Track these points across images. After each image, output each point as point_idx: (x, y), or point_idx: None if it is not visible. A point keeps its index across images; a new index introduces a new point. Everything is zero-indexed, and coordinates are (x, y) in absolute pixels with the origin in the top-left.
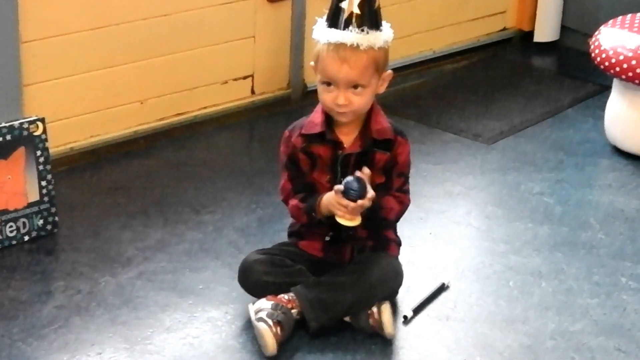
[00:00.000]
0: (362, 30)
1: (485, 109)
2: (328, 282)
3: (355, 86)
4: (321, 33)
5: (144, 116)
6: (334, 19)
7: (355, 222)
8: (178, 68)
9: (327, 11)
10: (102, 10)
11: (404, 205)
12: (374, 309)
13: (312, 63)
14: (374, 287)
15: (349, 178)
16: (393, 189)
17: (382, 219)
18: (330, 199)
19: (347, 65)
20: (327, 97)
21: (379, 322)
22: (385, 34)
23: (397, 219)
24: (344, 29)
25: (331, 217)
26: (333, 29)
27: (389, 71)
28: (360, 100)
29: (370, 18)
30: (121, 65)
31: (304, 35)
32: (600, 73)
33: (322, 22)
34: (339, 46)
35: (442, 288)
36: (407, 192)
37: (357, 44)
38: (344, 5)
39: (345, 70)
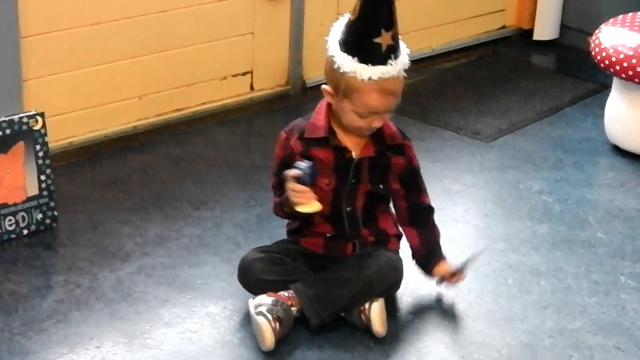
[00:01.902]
0: (397, 58)
1: (484, 107)
2: (327, 278)
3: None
4: (358, 69)
5: (142, 111)
6: (369, 55)
7: (313, 207)
8: (177, 64)
9: (343, 35)
10: (102, 5)
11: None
12: (366, 305)
13: (326, 87)
14: (373, 281)
15: (300, 164)
16: (424, 190)
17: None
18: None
19: (392, 97)
20: (361, 122)
21: (368, 320)
22: (404, 46)
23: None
24: (385, 64)
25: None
26: (370, 66)
27: None
28: (388, 116)
29: (399, 43)
30: (120, 61)
31: (303, 32)
32: (600, 72)
33: (337, 46)
34: (385, 81)
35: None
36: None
37: (398, 73)
38: (379, 40)
39: (390, 101)
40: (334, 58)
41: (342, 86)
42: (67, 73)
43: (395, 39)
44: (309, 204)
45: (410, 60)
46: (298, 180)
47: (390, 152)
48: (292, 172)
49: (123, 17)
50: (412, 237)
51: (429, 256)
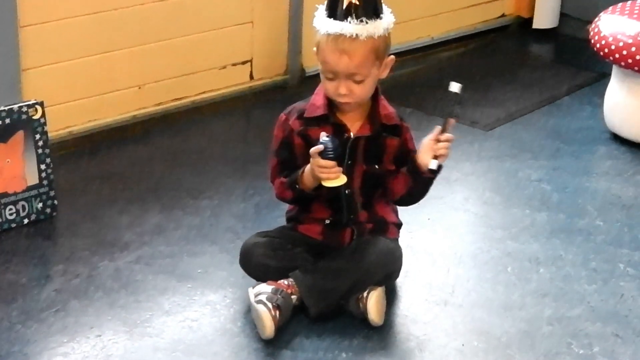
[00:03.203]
0: (362, 21)
1: (482, 96)
2: (326, 267)
3: (355, 79)
4: (320, 23)
5: (141, 101)
6: (332, 9)
7: (341, 180)
8: (176, 53)
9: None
10: None
11: None
12: (364, 294)
13: (314, 49)
14: (371, 270)
15: (324, 138)
16: None
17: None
18: (311, 165)
19: (346, 57)
20: (329, 86)
21: (365, 308)
22: (385, 22)
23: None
24: (342, 20)
25: (317, 189)
26: (332, 20)
27: (391, 56)
28: (362, 90)
29: (369, 8)
30: (119, 50)
31: (302, 21)
32: (599, 60)
33: (322, 9)
34: (338, 37)
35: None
36: None
37: (357, 35)
38: None
39: (344, 62)
40: (315, 13)
41: (316, 45)
42: (66, 62)
43: (363, 0)
44: (336, 178)
45: (408, 49)
46: (322, 155)
47: (386, 133)
48: (316, 149)
49: (122, 6)
50: (399, 183)
51: (411, 170)
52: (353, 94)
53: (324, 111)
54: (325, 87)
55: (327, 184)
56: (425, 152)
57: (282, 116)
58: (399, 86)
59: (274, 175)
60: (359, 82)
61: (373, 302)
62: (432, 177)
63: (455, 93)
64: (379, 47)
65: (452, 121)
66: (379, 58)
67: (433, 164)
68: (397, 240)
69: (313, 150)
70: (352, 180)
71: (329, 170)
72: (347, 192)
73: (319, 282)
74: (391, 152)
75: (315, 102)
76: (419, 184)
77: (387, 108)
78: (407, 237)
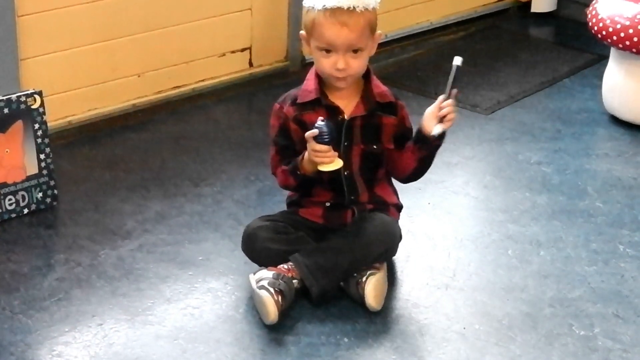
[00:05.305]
0: None
1: (482, 80)
2: (325, 246)
3: (354, 50)
4: (317, 0)
5: (142, 89)
6: None
7: (337, 165)
8: (176, 41)
9: None
10: None
11: None
12: (363, 279)
13: (302, 32)
14: (369, 245)
15: (319, 122)
16: None
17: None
18: (307, 150)
19: (346, 29)
20: (326, 63)
21: (364, 292)
22: None
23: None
24: None
25: (318, 173)
26: None
27: (379, 32)
28: (359, 64)
29: None
30: (119, 38)
31: (301, 7)
32: (598, 42)
33: None
34: (336, 10)
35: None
36: None
37: (354, 7)
38: None
39: (345, 34)
40: None
41: (309, 24)
42: (65, 51)
43: None
44: (332, 162)
45: (408, 34)
46: (317, 139)
47: (381, 112)
48: (311, 133)
49: None
50: (408, 158)
51: (417, 140)
52: (350, 68)
53: (316, 95)
54: (321, 65)
55: (323, 168)
56: (430, 120)
57: (276, 105)
58: (400, 71)
59: (275, 164)
60: (356, 55)
61: (371, 287)
62: (438, 143)
63: (458, 66)
64: (372, 20)
65: (454, 91)
66: (372, 31)
67: (437, 129)
68: (397, 221)
69: (308, 134)
70: (350, 161)
71: (324, 154)
72: (346, 173)
73: (319, 261)
74: (389, 131)
75: (307, 87)
76: (426, 152)
77: (380, 87)
78: (407, 222)
